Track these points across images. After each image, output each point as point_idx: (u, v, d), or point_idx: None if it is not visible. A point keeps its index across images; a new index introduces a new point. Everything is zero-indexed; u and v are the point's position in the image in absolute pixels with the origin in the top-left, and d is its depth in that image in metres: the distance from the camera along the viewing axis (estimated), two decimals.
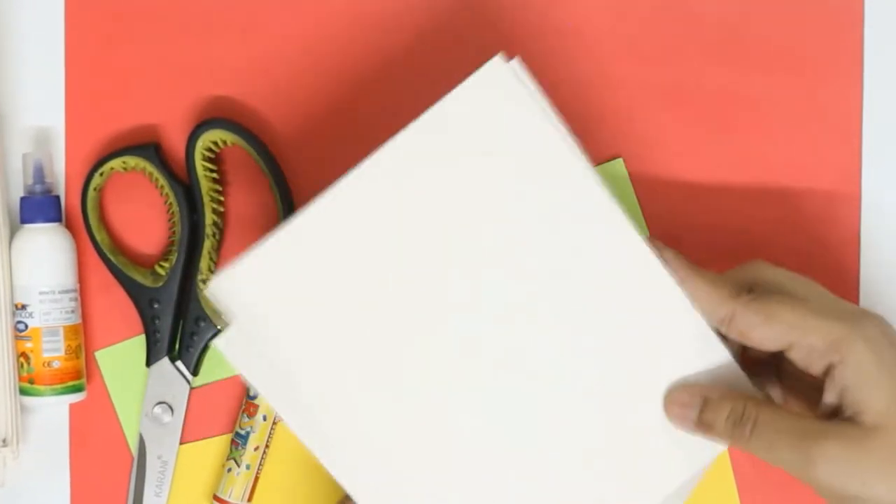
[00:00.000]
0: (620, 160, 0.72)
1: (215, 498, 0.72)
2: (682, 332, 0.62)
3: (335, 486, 0.62)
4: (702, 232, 0.72)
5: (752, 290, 0.62)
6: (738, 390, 0.61)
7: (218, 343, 0.60)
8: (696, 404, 0.61)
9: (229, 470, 0.72)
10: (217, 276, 0.60)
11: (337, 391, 0.61)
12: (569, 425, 0.62)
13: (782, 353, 0.61)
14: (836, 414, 0.59)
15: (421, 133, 0.60)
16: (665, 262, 0.62)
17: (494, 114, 0.60)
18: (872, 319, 0.60)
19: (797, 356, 0.60)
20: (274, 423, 0.72)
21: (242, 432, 0.71)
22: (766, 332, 0.60)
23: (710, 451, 0.62)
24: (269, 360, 0.61)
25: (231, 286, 0.60)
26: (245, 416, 0.71)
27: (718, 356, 0.62)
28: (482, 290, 0.61)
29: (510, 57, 0.61)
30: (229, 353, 0.60)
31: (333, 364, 0.61)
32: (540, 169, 0.61)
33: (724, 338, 0.62)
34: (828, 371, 0.59)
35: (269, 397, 0.61)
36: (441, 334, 0.61)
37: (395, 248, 0.61)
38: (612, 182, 0.72)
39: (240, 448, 0.71)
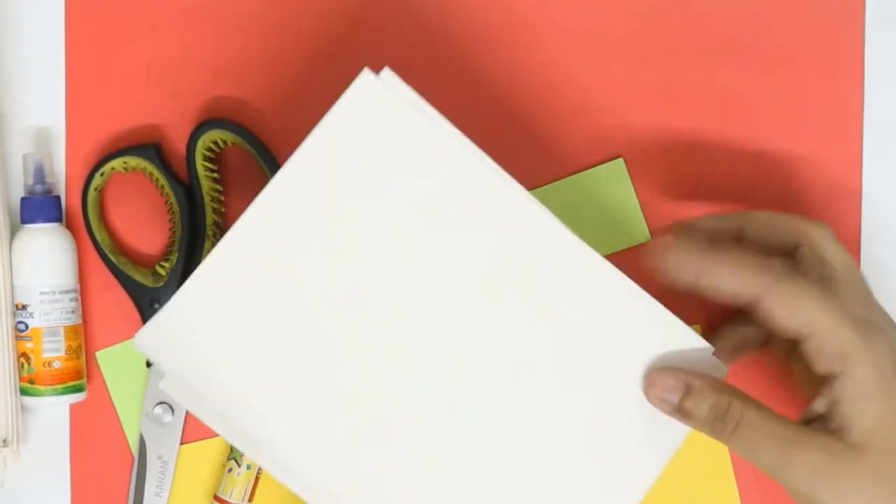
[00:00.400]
0: (620, 160, 0.72)
1: (216, 498, 0.72)
2: (632, 312, 0.62)
3: None
4: None
5: (793, 251, 0.62)
6: (717, 374, 0.62)
7: (163, 388, 0.61)
8: (679, 389, 0.61)
9: (230, 470, 0.72)
10: (136, 336, 0.60)
11: (282, 416, 0.61)
12: (537, 424, 0.62)
13: None
14: (819, 420, 0.60)
15: (304, 161, 0.60)
16: (683, 254, 0.61)
17: (374, 127, 0.60)
18: (887, 333, 0.60)
19: (807, 349, 0.60)
20: None
21: None
22: (786, 322, 0.60)
23: (679, 433, 0.63)
24: (209, 399, 0.61)
25: (150, 344, 0.61)
26: None
27: (680, 333, 0.62)
28: (416, 301, 0.61)
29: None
30: (175, 396, 0.61)
31: (271, 393, 0.61)
32: (438, 171, 0.60)
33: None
34: (827, 378, 0.59)
35: (218, 431, 0.61)
36: (382, 348, 0.61)
37: (312, 272, 0.60)
38: (612, 182, 0.72)
39: None
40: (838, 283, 0.61)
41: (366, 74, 0.60)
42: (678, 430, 0.63)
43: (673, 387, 0.61)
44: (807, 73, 0.72)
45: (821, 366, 0.59)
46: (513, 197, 0.61)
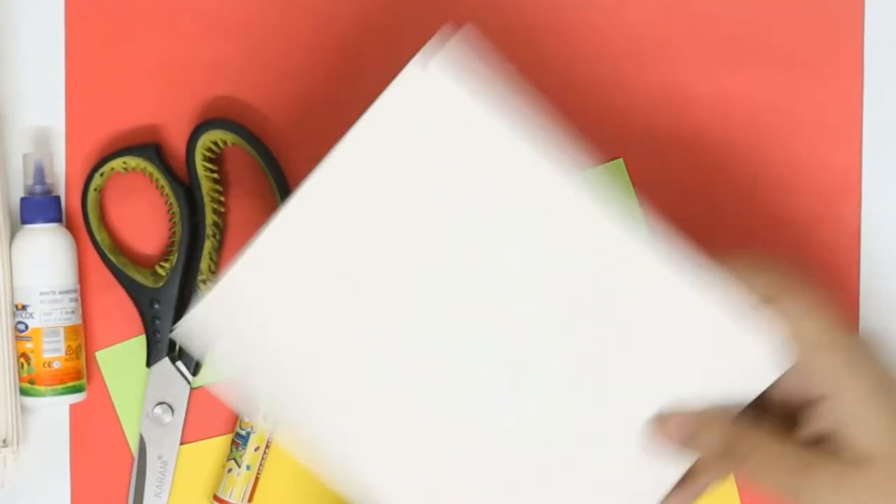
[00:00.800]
0: (620, 160, 0.72)
1: (215, 498, 0.72)
2: (679, 313, 0.60)
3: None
4: (701, 232, 0.72)
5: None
6: (728, 409, 0.61)
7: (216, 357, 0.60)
8: (689, 427, 0.60)
9: (230, 470, 0.72)
10: (184, 320, 0.60)
11: (325, 405, 0.61)
12: (587, 428, 0.61)
13: None
14: (815, 443, 0.59)
15: (353, 148, 0.59)
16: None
17: (427, 115, 0.58)
18: (870, 355, 0.60)
19: (791, 375, 0.60)
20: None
21: (243, 433, 0.71)
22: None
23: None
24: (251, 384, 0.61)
25: (199, 323, 0.60)
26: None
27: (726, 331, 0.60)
28: (459, 298, 0.60)
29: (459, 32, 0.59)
30: (226, 368, 0.60)
31: (312, 376, 0.61)
32: (491, 163, 0.59)
33: None
34: (812, 402, 0.59)
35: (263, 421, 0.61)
36: (415, 342, 0.61)
37: (355, 264, 0.60)
38: (612, 182, 0.72)
39: (240, 448, 0.71)
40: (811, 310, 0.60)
41: (415, 63, 0.58)
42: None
43: (682, 424, 0.60)
44: (807, 73, 0.72)
45: (814, 387, 0.59)
46: (570, 195, 0.59)
